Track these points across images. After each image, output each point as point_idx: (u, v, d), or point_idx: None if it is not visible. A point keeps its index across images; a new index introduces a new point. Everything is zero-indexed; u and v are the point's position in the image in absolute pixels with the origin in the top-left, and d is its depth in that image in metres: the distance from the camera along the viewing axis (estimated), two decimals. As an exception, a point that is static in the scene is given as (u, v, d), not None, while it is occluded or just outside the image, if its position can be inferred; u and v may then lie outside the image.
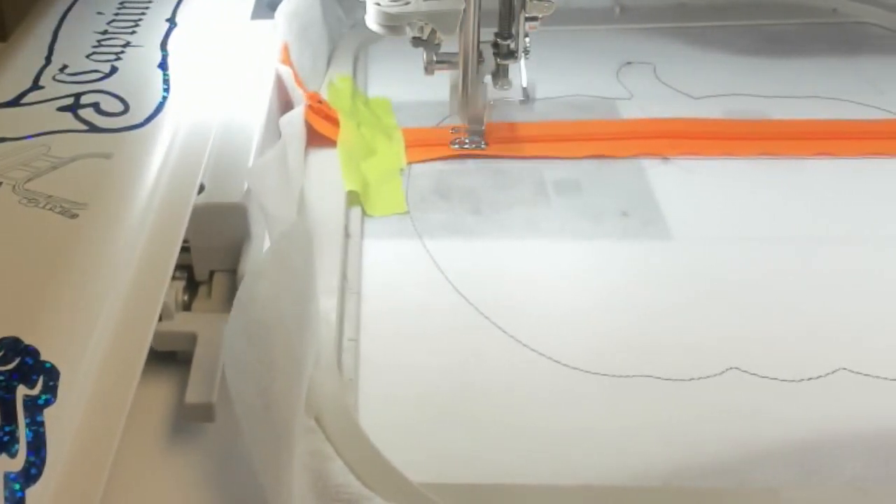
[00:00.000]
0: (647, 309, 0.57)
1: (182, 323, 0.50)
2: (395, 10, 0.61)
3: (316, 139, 0.70)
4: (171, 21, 0.68)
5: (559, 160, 0.71)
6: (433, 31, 0.63)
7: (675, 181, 0.68)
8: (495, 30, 0.68)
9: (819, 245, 0.62)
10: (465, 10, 0.63)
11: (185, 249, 0.53)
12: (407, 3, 0.61)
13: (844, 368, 0.52)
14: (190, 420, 0.46)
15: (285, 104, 0.69)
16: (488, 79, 0.69)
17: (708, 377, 0.52)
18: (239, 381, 0.39)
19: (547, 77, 0.81)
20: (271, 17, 0.73)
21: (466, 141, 0.72)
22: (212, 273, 0.53)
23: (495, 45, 0.68)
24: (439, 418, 0.49)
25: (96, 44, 0.64)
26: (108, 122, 0.55)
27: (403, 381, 0.52)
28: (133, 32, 0.66)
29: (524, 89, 0.69)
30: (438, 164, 0.72)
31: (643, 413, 0.50)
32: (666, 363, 0.52)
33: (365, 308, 0.57)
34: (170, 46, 0.64)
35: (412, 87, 0.82)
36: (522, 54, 0.67)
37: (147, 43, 0.64)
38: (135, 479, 0.45)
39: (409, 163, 0.72)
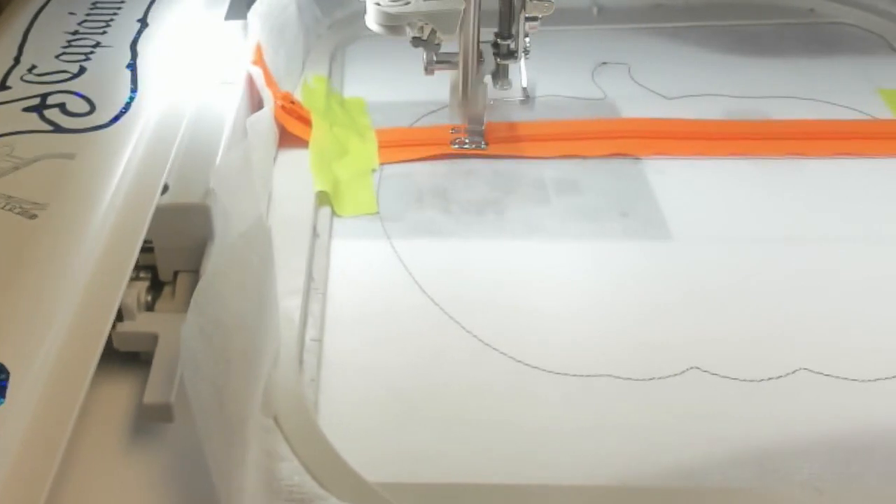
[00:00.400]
0: (611, 309, 0.57)
1: (144, 323, 0.50)
2: (395, 10, 0.61)
3: (288, 139, 0.70)
4: (143, 22, 0.68)
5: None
6: (433, 31, 0.63)
7: (658, 181, 0.68)
8: (495, 30, 0.68)
9: (789, 246, 0.62)
10: (465, 10, 0.63)
11: (150, 250, 0.53)
12: (407, 3, 0.61)
13: (805, 368, 0.52)
14: (148, 420, 0.46)
15: (258, 105, 0.69)
16: (488, 79, 0.69)
17: (668, 377, 0.52)
18: (195, 380, 0.39)
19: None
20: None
21: (466, 141, 0.72)
22: (176, 273, 0.53)
23: (495, 45, 0.68)
24: (401, 418, 0.50)
25: (66, 44, 0.64)
26: (73, 122, 0.55)
27: (366, 380, 0.52)
28: (104, 33, 0.66)
29: (524, 89, 0.69)
30: (412, 165, 0.72)
31: (603, 413, 0.50)
32: (628, 363, 0.53)
33: (331, 308, 0.57)
34: (140, 47, 0.64)
35: (388, 88, 0.83)
36: (522, 54, 0.67)
37: (117, 43, 0.64)
38: (93, 479, 0.45)
39: (382, 163, 0.72)
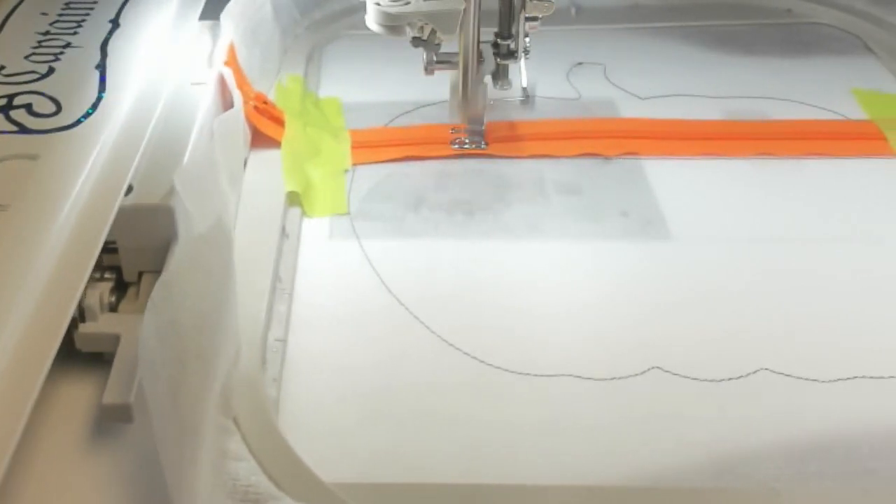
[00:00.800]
0: (573, 308, 0.57)
1: (106, 324, 0.50)
2: (395, 10, 0.61)
3: (261, 140, 0.70)
4: (115, 22, 0.68)
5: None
6: (433, 31, 0.63)
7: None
8: (495, 30, 0.68)
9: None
10: (465, 10, 0.62)
11: (115, 250, 0.53)
12: (407, 3, 0.61)
13: (766, 368, 0.52)
14: (108, 420, 0.46)
15: (231, 105, 0.69)
16: (488, 79, 0.69)
17: (630, 377, 0.52)
18: (151, 381, 0.39)
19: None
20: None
21: (466, 141, 0.72)
22: (141, 274, 0.54)
23: (495, 45, 0.68)
24: (362, 418, 0.50)
25: (36, 45, 0.64)
26: (38, 123, 0.55)
27: (330, 381, 0.52)
28: (75, 33, 0.66)
29: (524, 89, 0.69)
30: (386, 166, 0.72)
31: (565, 413, 0.50)
32: (590, 362, 0.53)
33: (297, 309, 0.57)
34: (110, 48, 0.65)
35: (365, 88, 0.83)
36: (522, 54, 0.67)
37: (87, 44, 0.64)
38: (51, 479, 0.45)
39: (355, 164, 0.72)
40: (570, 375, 0.52)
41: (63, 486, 0.45)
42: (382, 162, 0.72)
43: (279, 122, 0.72)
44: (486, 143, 0.73)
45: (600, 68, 0.84)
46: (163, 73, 0.65)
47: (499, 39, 0.68)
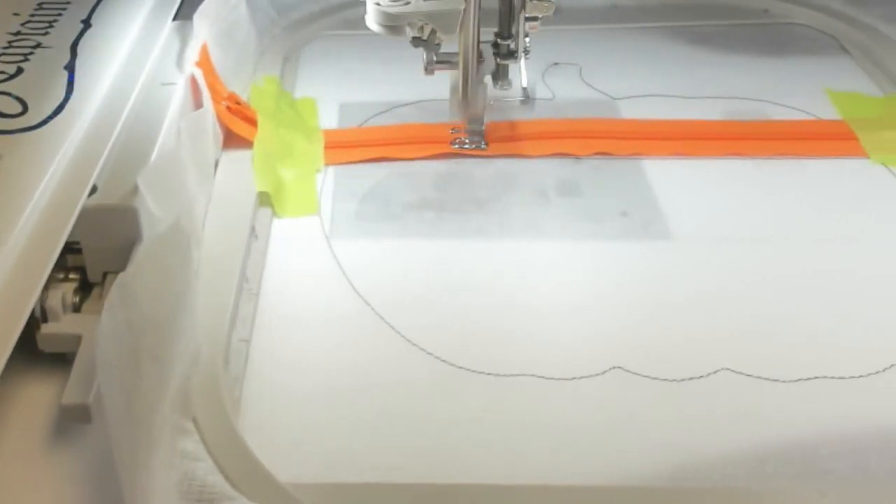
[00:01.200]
0: (537, 308, 0.58)
1: (68, 324, 0.50)
2: (395, 10, 0.61)
3: (233, 140, 0.70)
4: (87, 23, 0.69)
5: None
6: (433, 31, 0.63)
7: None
8: (495, 30, 0.68)
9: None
10: (465, 10, 0.62)
11: (80, 251, 0.54)
12: (407, 3, 0.61)
13: (727, 369, 0.53)
14: (67, 421, 0.46)
15: (202, 106, 0.69)
16: (488, 79, 0.69)
17: (591, 376, 0.52)
18: (107, 381, 0.39)
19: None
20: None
21: (466, 141, 0.72)
22: (105, 274, 0.54)
23: (495, 45, 0.68)
24: (324, 418, 0.50)
25: (7, 45, 0.64)
26: (3, 123, 0.55)
27: (293, 381, 0.52)
28: (46, 34, 0.66)
29: (524, 89, 0.69)
30: (359, 166, 0.72)
31: (526, 412, 0.50)
32: (551, 362, 0.53)
33: (264, 309, 0.57)
34: (80, 48, 0.65)
35: (342, 88, 0.83)
36: (522, 54, 0.67)
37: (57, 44, 0.65)
38: (13, 479, 0.45)
39: (328, 164, 0.72)
40: (534, 375, 0.52)
41: (23, 485, 0.45)
42: (356, 162, 0.72)
43: (252, 122, 0.72)
44: (486, 143, 0.73)
45: (576, 69, 0.84)
46: (133, 74, 0.65)
47: (499, 39, 0.68)
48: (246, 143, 0.70)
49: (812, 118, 0.76)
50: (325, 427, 0.49)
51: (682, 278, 0.60)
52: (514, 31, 0.67)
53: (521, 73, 0.69)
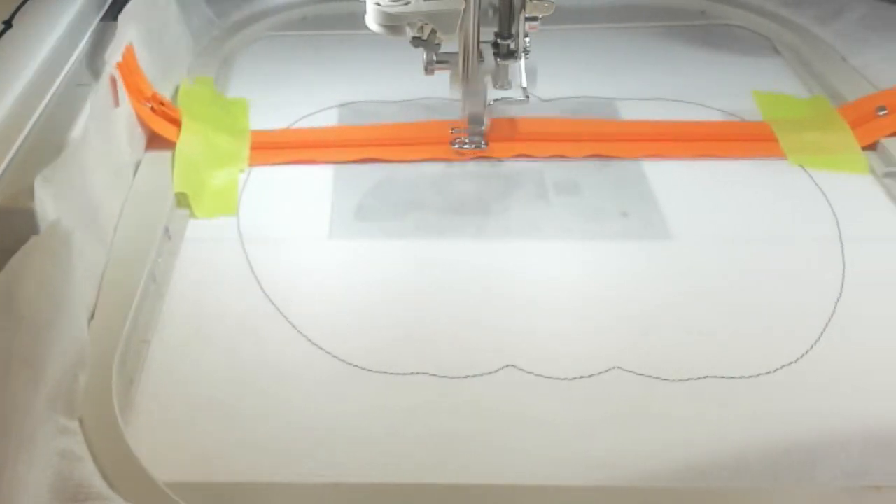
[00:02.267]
0: (432, 307, 0.58)
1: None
2: (395, 10, 0.61)
3: (160, 141, 0.71)
4: (8, 23, 0.68)
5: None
6: (433, 31, 0.63)
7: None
8: (495, 30, 0.68)
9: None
10: (465, 10, 0.63)
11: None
12: (407, 3, 0.61)
13: (618, 367, 0.53)
14: None
15: (125, 107, 0.69)
16: (488, 79, 0.70)
17: (483, 374, 0.53)
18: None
19: (396, 79, 0.82)
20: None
21: (466, 141, 0.73)
22: (6, 276, 0.54)
23: (495, 45, 0.68)
24: (215, 418, 0.50)
25: (-76, 47, 0.64)
26: None
27: (190, 381, 0.53)
28: (-35, 35, 0.66)
29: (524, 89, 0.69)
30: (281, 168, 0.72)
31: (415, 411, 0.51)
32: (446, 360, 0.53)
33: (169, 310, 0.58)
34: (-1, 49, 0.65)
35: (279, 89, 0.83)
36: (522, 54, 0.68)
37: (-26, 46, 0.64)
38: None
39: (252, 165, 0.72)
40: (426, 374, 0.53)
41: None
42: (280, 164, 0.72)
43: (176, 123, 0.72)
44: (486, 143, 0.73)
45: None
46: (50, 75, 0.65)
47: (499, 39, 0.68)
48: (169, 144, 0.71)
49: (736, 119, 0.76)
50: (214, 427, 0.50)
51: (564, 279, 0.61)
52: (514, 31, 0.67)
53: (521, 73, 0.69)
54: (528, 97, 0.69)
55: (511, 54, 0.68)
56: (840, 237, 0.63)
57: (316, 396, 0.52)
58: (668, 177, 0.70)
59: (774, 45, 0.88)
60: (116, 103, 0.67)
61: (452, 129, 0.73)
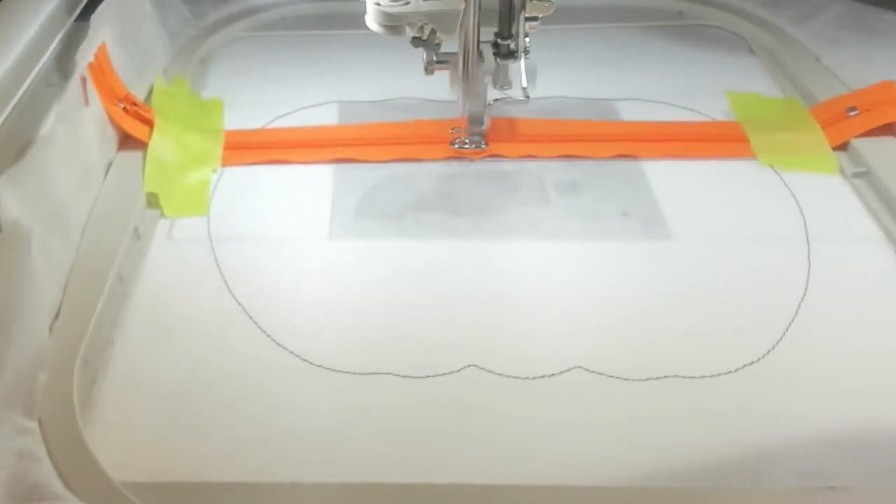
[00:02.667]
0: (402, 309, 0.58)
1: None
2: (395, 10, 0.61)
3: (132, 142, 0.71)
4: (-21, 24, 0.69)
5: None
6: (433, 31, 0.63)
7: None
8: (495, 30, 0.68)
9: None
10: (465, 10, 0.63)
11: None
12: (407, 3, 0.61)
13: (580, 367, 0.53)
14: None
15: (96, 107, 0.69)
16: (488, 79, 0.70)
17: (445, 374, 0.53)
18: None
19: (373, 79, 0.82)
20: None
21: (466, 141, 0.73)
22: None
23: (495, 45, 0.68)
24: (175, 418, 0.50)
25: None
26: None
27: (151, 381, 0.53)
28: (-66, 36, 0.66)
29: (524, 89, 0.69)
30: (256, 168, 0.72)
31: (374, 410, 0.51)
32: (406, 360, 0.54)
33: (136, 310, 0.58)
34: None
35: (255, 89, 0.83)
36: (522, 54, 0.68)
37: (-59, 46, 0.65)
38: None
39: (226, 165, 0.72)
40: (390, 374, 0.53)
41: None
42: (254, 164, 0.73)
43: (148, 123, 0.72)
44: (486, 143, 0.73)
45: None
46: (19, 75, 0.65)
47: (499, 39, 0.68)
48: (144, 145, 0.71)
49: (708, 119, 0.76)
50: (173, 428, 0.50)
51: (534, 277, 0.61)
52: (514, 31, 0.67)
53: (521, 73, 0.69)
54: (528, 97, 0.69)
55: (511, 54, 0.68)
56: (807, 237, 0.63)
57: (278, 397, 0.52)
58: (636, 177, 0.70)
59: (750, 45, 0.88)
60: (86, 103, 0.67)
61: (452, 129, 0.73)
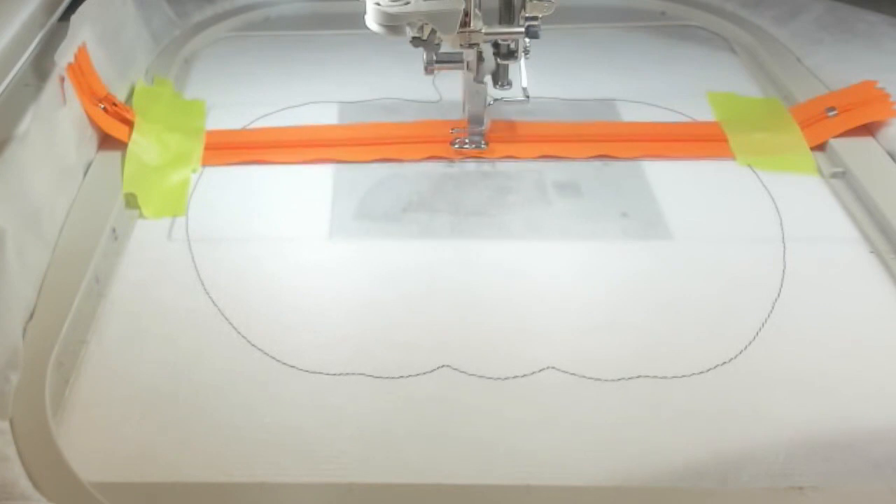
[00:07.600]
0: (372, 309, 0.59)
1: None
2: (395, 10, 0.61)
3: (113, 142, 0.71)
4: (-42, 23, 0.68)
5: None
6: (433, 31, 0.63)
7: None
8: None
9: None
10: (465, 10, 0.63)
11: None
12: (407, 3, 0.61)
13: (553, 367, 0.53)
14: None
15: (75, 107, 0.69)
16: (488, 79, 0.70)
17: (420, 374, 0.53)
18: None
19: (356, 79, 0.82)
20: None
21: (467, 141, 0.73)
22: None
23: (495, 45, 0.68)
24: (147, 418, 0.51)
25: None
26: None
27: (125, 381, 0.53)
28: (-87, 37, 0.66)
29: (524, 89, 0.69)
30: (237, 168, 0.72)
31: (348, 410, 0.51)
32: (380, 361, 0.54)
33: (111, 310, 0.58)
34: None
35: (237, 89, 0.83)
36: (522, 54, 0.68)
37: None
38: None
39: (206, 165, 0.72)
40: (362, 374, 0.53)
41: None
42: (235, 163, 0.73)
43: (129, 123, 0.72)
44: (486, 143, 0.73)
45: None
46: (-2, 75, 0.65)
47: (499, 39, 0.68)
48: (125, 145, 0.71)
49: (688, 120, 0.77)
50: (145, 428, 0.50)
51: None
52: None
53: (522, 73, 0.69)
54: (528, 97, 0.69)
55: (511, 54, 0.68)
56: (783, 237, 0.63)
57: (252, 398, 0.52)
58: (612, 179, 0.70)
59: (732, 45, 0.88)
60: (64, 103, 0.67)
61: (452, 129, 0.74)
